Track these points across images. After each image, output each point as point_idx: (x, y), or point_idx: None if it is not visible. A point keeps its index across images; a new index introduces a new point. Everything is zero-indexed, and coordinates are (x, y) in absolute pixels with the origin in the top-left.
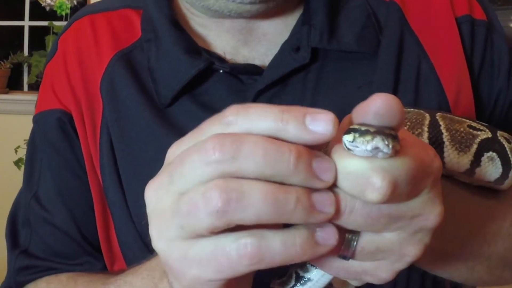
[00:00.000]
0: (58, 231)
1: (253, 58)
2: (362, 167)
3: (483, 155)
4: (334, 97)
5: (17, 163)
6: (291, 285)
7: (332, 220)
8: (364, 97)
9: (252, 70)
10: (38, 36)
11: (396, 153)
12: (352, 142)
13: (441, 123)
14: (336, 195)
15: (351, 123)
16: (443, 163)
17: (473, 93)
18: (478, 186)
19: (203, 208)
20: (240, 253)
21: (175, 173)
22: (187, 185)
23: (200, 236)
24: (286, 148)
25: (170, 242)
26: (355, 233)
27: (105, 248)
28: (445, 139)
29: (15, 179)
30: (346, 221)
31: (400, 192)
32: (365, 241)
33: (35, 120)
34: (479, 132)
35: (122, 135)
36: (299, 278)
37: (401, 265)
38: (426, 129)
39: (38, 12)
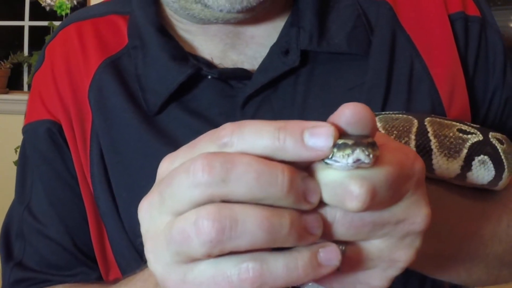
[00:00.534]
0: (52, 242)
1: (242, 62)
2: (339, 177)
3: (473, 159)
4: (325, 100)
5: (17, 163)
6: None
7: None
8: (356, 98)
9: (240, 74)
10: (38, 36)
11: (376, 160)
12: (331, 158)
13: (429, 129)
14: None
15: None
16: (432, 170)
17: (468, 91)
18: (472, 188)
19: (195, 237)
20: (242, 277)
21: (165, 193)
22: (178, 206)
23: (197, 260)
24: (280, 170)
25: (167, 266)
26: (342, 242)
27: (100, 258)
28: (433, 146)
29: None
30: (329, 232)
31: (380, 198)
32: (353, 250)
33: (25, 131)
34: (469, 136)
35: (111, 144)
36: None
37: (393, 271)
38: (413, 137)
39: (38, 12)
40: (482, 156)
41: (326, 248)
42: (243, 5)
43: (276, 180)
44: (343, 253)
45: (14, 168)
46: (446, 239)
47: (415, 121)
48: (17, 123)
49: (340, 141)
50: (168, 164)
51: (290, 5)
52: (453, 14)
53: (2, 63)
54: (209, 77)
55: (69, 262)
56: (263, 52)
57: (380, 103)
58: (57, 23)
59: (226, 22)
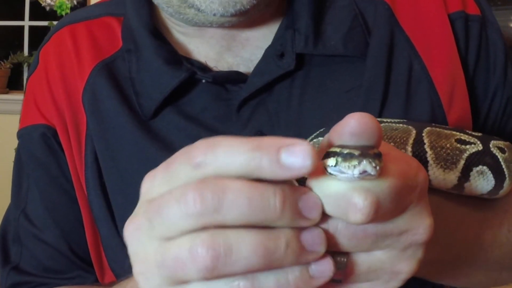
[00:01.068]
0: (48, 247)
1: (237, 65)
2: (342, 188)
3: (471, 170)
4: (322, 103)
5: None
6: None
7: None
8: (353, 101)
9: (235, 77)
10: (38, 36)
11: (381, 171)
12: (335, 166)
13: (425, 141)
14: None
15: (330, 145)
16: (428, 181)
17: (469, 92)
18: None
19: (190, 265)
20: None
21: (155, 220)
22: (169, 233)
23: (189, 282)
24: (271, 192)
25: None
26: (344, 254)
27: (96, 261)
28: (429, 158)
29: None
30: (330, 243)
31: (384, 211)
32: (355, 261)
33: (19, 135)
34: (467, 146)
35: (106, 148)
36: None
37: (395, 283)
38: (409, 148)
39: (38, 12)
40: (480, 166)
41: (318, 260)
42: (237, 8)
43: (268, 204)
44: (345, 264)
45: None
46: (446, 246)
47: (414, 132)
48: (17, 123)
49: (345, 151)
50: (149, 184)
51: (286, 6)
52: (453, 13)
53: (2, 63)
54: (204, 81)
55: (66, 266)
56: (259, 54)
57: (378, 106)
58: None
59: (221, 25)
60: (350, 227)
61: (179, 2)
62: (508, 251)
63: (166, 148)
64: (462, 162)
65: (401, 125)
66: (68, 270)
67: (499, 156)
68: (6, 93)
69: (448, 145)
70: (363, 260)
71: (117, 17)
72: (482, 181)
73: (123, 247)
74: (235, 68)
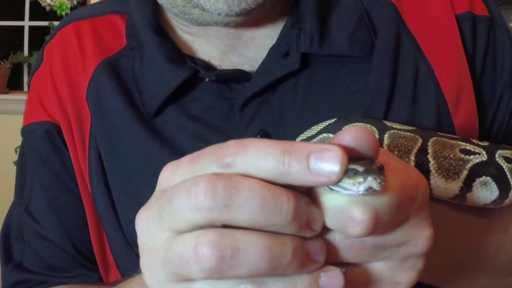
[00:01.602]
0: (52, 244)
1: (242, 64)
2: (341, 202)
3: (474, 181)
4: (326, 103)
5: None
6: None
7: None
8: (358, 102)
9: (239, 76)
10: (38, 36)
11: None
12: (337, 183)
13: (429, 150)
14: None
15: None
16: (430, 189)
17: (475, 94)
18: None
19: (194, 264)
20: None
21: (164, 210)
22: (177, 225)
23: (194, 280)
24: (285, 198)
25: (162, 283)
26: (343, 265)
27: (100, 260)
28: (431, 168)
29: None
30: (329, 254)
31: (383, 223)
32: (353, 272)
33: (23, 132)
34: (471, 157)
35: (109, 146)
36: None
37: None
38: (413, 158)
39: (38, 12)
40: (484, 177)
41: (329, 272)
42: (241, 7)
43: (280, 208)
44: (344, 275)
45: (14, 168)
46: (449, 252)
47: (420, 141)
48: (17, 123)
49: (348, 167)
50: (169, 174)
51: (291, 5)
52: (460, 14)
53: (2, 63)
54: (207, 79)
55: (69, 264)
56: (264, 53)
57: (383, 107)
58: (57, 23)
59: (226, 25)
60: (347, 239)
61: (184, 2)
62: None
63: (169, 147)
64: (465, 172)
65: (408, 133)
66: (71, 268)
67: (504, 166)
68: (6, 93)
69: (451, 155)
70: (363, 271)
71: (121, 15)
72: (485, 192)
73: (127, 245)
74: (239, 67)
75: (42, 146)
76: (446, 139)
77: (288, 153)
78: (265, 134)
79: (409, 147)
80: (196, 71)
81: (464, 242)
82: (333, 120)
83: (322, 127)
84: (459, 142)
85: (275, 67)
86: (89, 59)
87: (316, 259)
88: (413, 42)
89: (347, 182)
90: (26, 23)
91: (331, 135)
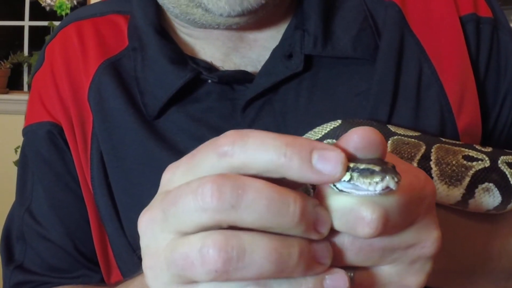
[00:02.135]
0: (53, 245)
1: (245, 65)
2: (349, 203)
3: (476, 187)
4: (330, 106)
5: (17, 163)
6: None
7: None
8: (362, 104)
9: (241, 77)
10: (38, 36)
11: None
12: (349, 181)
13: (432, 157)
14: None
15: None
16: None
17: (479, 96)
18: None
19: (200, 266)
20: None
21: (169, 212)
22: (182, 227)
23: (198, 282)
24: (292, 199)
25: (166, 286)
26: (351, 268)
27: (102, 260)
28: (433, 174)
29: (15, 179)
30: (337, 257)
31: (392, 224)
32: (362, 276)
33: (25, 132)
34: (474, 163)
35: (111, 148)
36: None
37: None
38: (415, 164)
39: (38, 12)
40: (486, 183)
41: (334, 275)
42: (244, 7)
43: (287, 210)
44: (352, 279)
45: (14, 168)
46: (453, 256)
47: (423, 147)
48: (17, 123)
49: (362, 166)
50: (170, 176)
51: (294, 7)
52: (464, 16)
53: (2, 63)
54: (209, 81)
55: (70, 265)
56: (267, 55)
57: (387, 110)
58: (57, 23)
59: (228, 27)
60: (356, 242)
61: (187, 2)
62: None
63: (170, 148)
64: (468, 179)
65: (412, 139)
66: (73, 269)
67: (507, 172)
68: (6, 93)
69: (454, 162)
70: (371, 274)
71: (124, 15)
72: (488, 198)
73: (128, 246)
74: (242, 69)
75: (43, 146)
76: (450, 146)
77: (290, 146)
78: None
79: (412, 154)
80: (198, 73)
81: (467, 246)
82: (337, 123)
83: (326, 131)
84: (462, 149)
85: (278, 69)
86: (90, 59)
87: (322, 261)
88: (417, 44)
89: (362, 181)
90: (26, 23)
91: (335, 141)
